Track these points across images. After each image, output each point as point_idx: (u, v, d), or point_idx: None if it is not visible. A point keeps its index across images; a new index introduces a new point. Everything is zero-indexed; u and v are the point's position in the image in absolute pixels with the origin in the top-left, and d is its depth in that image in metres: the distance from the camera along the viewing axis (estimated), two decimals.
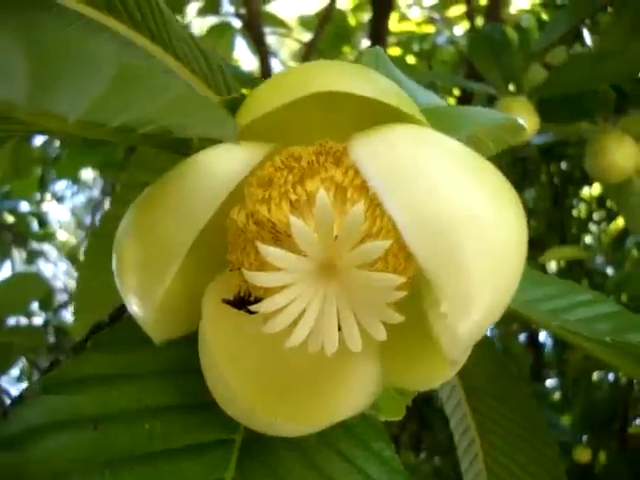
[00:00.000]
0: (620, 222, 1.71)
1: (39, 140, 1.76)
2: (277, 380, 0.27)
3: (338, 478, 0.28)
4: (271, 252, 0.22)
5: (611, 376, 1.84)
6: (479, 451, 0.43)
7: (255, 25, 1.41)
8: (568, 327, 0.30)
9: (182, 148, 0.27)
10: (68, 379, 0.26)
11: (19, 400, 0.44)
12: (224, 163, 0.22)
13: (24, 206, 2.08)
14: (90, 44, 0.20)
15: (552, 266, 1.90)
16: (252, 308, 0.24)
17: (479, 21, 1.52)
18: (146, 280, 0.23)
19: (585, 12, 1.28)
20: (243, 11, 1.64)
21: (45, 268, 2.31)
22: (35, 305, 1.97)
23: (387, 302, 0.23)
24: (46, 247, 2.30)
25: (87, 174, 2.22)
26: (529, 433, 0.41)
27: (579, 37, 1.50)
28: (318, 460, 0.28)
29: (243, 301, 0.26)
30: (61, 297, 2.33)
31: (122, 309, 0.43)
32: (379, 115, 0.24)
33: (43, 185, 2.08)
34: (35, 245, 2.16)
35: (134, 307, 0.24)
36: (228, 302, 0.26)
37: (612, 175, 1.12)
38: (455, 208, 0.21)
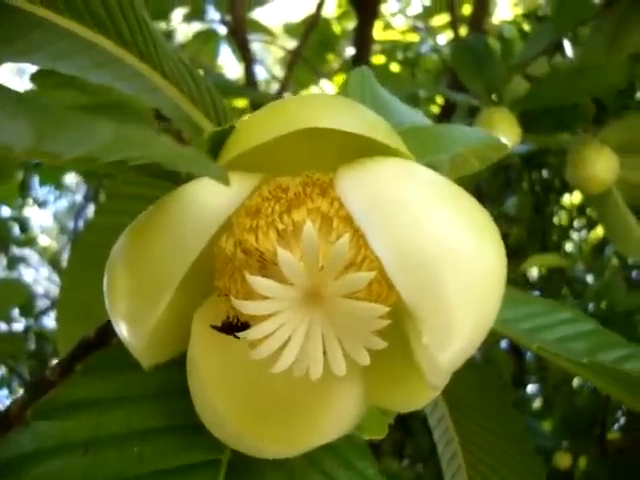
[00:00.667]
0: (600, 230, 1.74)
1: None
2: (263, 403, 0.27)
3: None
4: (258, 282, 0.23)
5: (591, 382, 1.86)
6: (462, 463, 0.43)
7: (240, 32, 1.42)
8: (548, 348, 0.31)
9: (171, 177, 0.27)
10: (58, 404, 0.26)
11: (4, 414, 0.44)
12: (215, 195, 0.22)
13: (5, 211, 2.06)
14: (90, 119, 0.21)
15: (533, 273, 1.92)
16: (240, 335, 0.24)
17: (462, 31, 1.54)
18: (137, 308, 0.24)
19: (567, 26, 1.30)
20: (228, 18, 1.65)
21: (26, 273, 2.29)
22: (15, 311, 1.95)
23: (371, 330, 0.24)
24: (27, 252, 2.28)
25: (70, 179, 2.21)
26: (513, 447, 0.42)
27: (560, 48, 1.52)
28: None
29: (231, 326, 0.27)
30: (42, 303, 2.31)
31: (109, 325, 0.43)
32: (365, 147, 0.25)
33: (25, 190, 2.06)
34: (16, 250, 2.14)
35: (125, 334, 0.24)
36: (216, 328, 0.27)
37: (592, 186, 1.14)
38: (436, 242, 0.21)
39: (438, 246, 0.21)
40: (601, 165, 1.12)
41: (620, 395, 0.33)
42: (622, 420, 1.81)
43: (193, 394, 0.26)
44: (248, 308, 0.23)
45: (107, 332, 0.45)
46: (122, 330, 0.24)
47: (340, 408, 0.27)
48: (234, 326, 0.27)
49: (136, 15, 0.39)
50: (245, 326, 0.26)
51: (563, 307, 0.47)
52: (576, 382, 1.90)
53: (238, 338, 0.26)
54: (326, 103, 0.26)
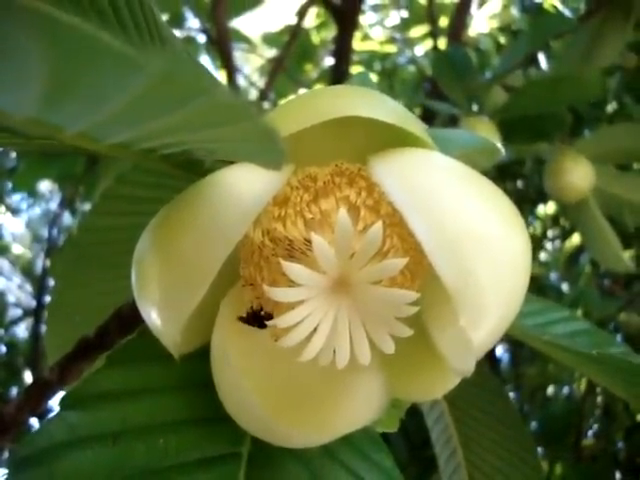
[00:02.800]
0: (574, 240, 1.77)
1: None
2: (288, 392, 0.27)
3: None
4: (292, 268, 0.23)
5: (565, 390, 1.90)
6: (462, 460, 0.44)
7: (224, 41, 1.41)
8: (557, 342, 0.32)
9: (195, 168, 0.27)
10: (85, 395, 0.26)
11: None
12: (253, 185, 0.23)
13: None
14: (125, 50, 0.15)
15: None
16: (269, 324, 0.25)
17: (441, 42, 1.57)
18: (173, 298, 0.24)
19: (541, 40, 1.33)
20: (208, 26, 1.64)
21: None
22: None
23: (398, 317, 0.24)
24: None
25: (43, 186, 2.17)
26: (514, 443, 0.43)
27: (535, 61, 1.55)
28: (323, 472, 0.28)
29: (255, 316, 0.27)
30: (13, 313, 2.26)
31: (110, 324, 0.43)
32: (391, 138, 0.25)
33: None
34: None
35: (158, 324, 0.24)
36: (242, 319, 0.27)
37: (569, 194, 1.16)
38: (470, 227, 0.22)
39: (472, 231, 0.22)
40: (578, 174, 1.15)
41: (626, 391, 0.34)
42: (596, 427, 1.84)
43: (218, 383, 0.26)
44: (278, 295, 0.24)
45: (107, 332, 0.45)
46: (155, 320, 0.24)
47: (364, 397, 0.27)
48: (258, 316, 0.27)
49: (144, 12, 0.39)
50: (269, 316, 0.26)
51: (557, 306, 0.48)
52: (551, 390, 1.93)
53: (263, 328, 0.26)
54: (358, 94, 0.26)
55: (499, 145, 0.53)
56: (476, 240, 0.22)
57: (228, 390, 0.26)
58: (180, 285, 0.24)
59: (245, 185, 0.23)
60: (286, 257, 0.25)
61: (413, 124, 0.26)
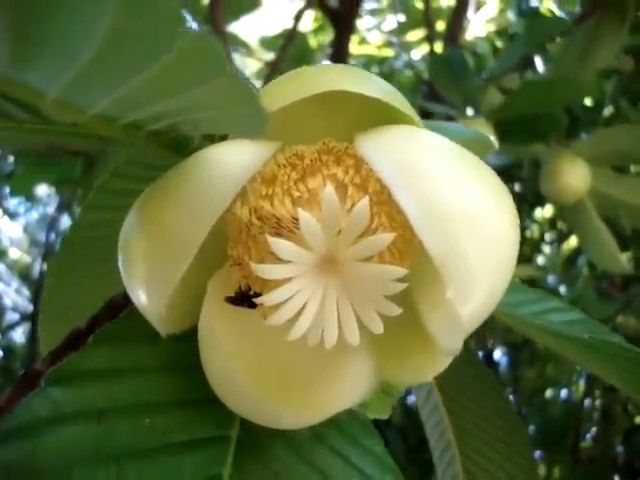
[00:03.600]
0: (571, 243, 1.77)
1: None
2: (277, 372, 0.27)
3: (331, 473, 0.28)
4: (279, 244, 0.23)
5: (564, 393, 1.89)
6: (456, 452, 0.44)
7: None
8: (550, 327, 0.31)
9: (182, 148, 0.27)
10: (71, 372, 0.26)
11: None
12: (236, 159, 0.22)
13: None
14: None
15: None
16: (257, 301, 0.24)
17: (437, 46, 1.57)
18: (156, 274, 0.24)
19: (536, 43, 1.33)
20: (206, 29, 1.65)
21: None
22: None
23: (387, 294, 0.24)
24: None
25: (41, 190, 2.17)
26: (508, 436, 0.42)
27: (531, 64, 1.56)
28: (312, 456, 0.28)
29: (243, 296, 0.27)
30: (11, 317, 2.25)
31: (101, 314, 0.42)
32: (379, 116, 0.25)
33: None
34: None
35: (143, 301, 0.24)
36: (229, 299, 0.27)
37: (566, 195, 1.16)
38: (458, 201, 0.22)
39: (460, 205, 0.22)
40: (574, 175, 1.14)
41: (619, 379, 0.34)
42: (594, 430, 1.83)
43: (206, 364, 0.26)
44: (265, 272, 0.23)
45: (98, 322, 0.44)
46: (140, 297, 0.24)
47: (353, 378, 0.27)
48: (246, 296, 0.27)
49: None
50: (257, 296, 0.26)
51: (550, 296, 0.47)
52: (549, 393, 1.92)
53: (251, 308, 0.26)
54: (344, 70, 0.26)
55: (492, 138, 0.52)
56: (465, 215, 0.22)
57: (216, 371, 0.25)
58: (164, 259, 0.23)
59: (230, 158, 0.23)
60: (274, 235, 0.25)
61: (400, 101, 0.25)
